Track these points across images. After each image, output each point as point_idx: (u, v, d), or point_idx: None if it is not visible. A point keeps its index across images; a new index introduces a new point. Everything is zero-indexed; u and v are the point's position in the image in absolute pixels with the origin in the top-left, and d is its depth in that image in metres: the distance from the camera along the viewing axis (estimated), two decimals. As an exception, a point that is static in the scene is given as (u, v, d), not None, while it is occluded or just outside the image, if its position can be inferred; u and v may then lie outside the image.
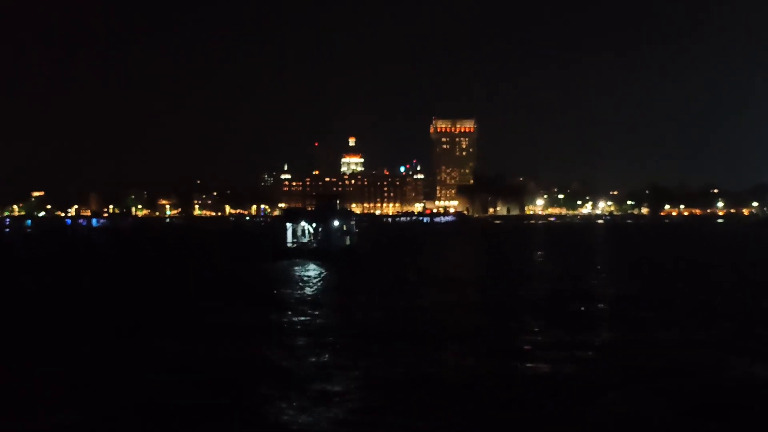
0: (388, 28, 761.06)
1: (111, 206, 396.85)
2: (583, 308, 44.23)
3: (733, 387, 25.50)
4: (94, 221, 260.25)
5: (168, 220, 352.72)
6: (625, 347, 31.62)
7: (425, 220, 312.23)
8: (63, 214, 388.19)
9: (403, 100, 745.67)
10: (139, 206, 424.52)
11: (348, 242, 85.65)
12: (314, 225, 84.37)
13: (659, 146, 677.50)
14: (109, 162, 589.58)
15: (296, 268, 71.65)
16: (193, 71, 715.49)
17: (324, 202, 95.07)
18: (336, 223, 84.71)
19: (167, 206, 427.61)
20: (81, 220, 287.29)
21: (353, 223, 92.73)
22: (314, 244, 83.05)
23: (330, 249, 79.88)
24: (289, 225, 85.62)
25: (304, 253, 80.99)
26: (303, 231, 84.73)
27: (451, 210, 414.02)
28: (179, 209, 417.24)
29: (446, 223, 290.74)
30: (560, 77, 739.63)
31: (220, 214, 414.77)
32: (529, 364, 29.01)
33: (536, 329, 36.95)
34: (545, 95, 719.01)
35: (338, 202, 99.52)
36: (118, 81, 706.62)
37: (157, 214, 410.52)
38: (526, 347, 32.28)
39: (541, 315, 41.58)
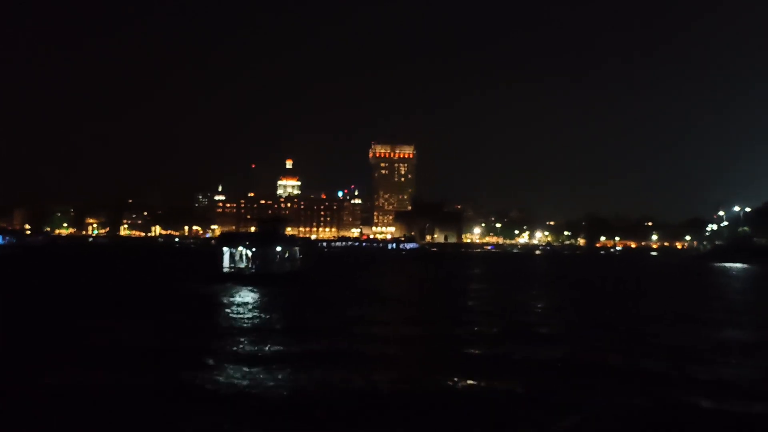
0: (328, 49, 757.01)
1: (32, 224, 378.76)
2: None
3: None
4: (0, 238, 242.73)
5: (91, 239, 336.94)
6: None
7: (391, 246, 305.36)
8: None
9: (342, 123, 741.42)
10: (65, 224, 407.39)
11: (289, 268, 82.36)
12: (254, 249, 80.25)
13: (598, 175, 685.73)
14: (36, 177, 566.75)
15: (232, 292, 67.38)
16: (130, 86, 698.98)
17: (267, 227, 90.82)
18: (278, 248, 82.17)
19: (94, 225, 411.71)
20: None
21: (297, 248, 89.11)
22: (252, 269, 79.22)
23: (269, 274, 77.03)
24: (226, 249, 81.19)
25: (241, 278, 77.30)
26: (241, 255, 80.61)
27: (388, 236, 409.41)
28: (107, 228, 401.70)
29: (412, 249, 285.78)
30: (503, 102, 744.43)
31: (149, 234, 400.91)
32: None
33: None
34: (485, 121, 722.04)
35: (282, 226, 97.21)
36: (47, 89, 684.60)
37: (84, 233, 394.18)
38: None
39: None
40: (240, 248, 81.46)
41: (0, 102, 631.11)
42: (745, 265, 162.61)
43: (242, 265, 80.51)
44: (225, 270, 79.85)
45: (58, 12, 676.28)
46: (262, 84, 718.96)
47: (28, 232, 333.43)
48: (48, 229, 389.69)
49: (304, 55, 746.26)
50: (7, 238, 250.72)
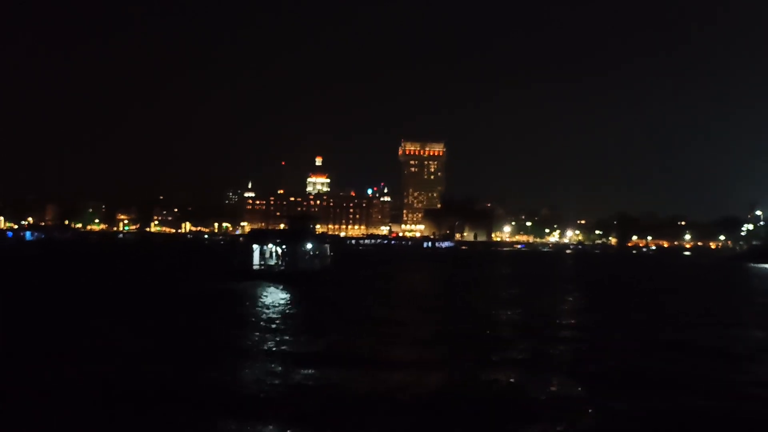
0: (359, 47, 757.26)
1: (63, 220, 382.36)
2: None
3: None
4: (27, 234, 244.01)
5: (120, 235, 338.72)
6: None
7: (427, 244, 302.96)
8: (16, 226, 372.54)
9: (372, 120, 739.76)
10: (96, 220, 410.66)
11: (319, 266, 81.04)
12: (284, 247, 79.44)
13: (629, 173, 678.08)
14: (70, 173, 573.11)
15: (259, 290, 66.48)
16: (163, 83, 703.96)
17: (297, 224, 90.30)
18: (309, 245, 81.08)
19: (125, 221, 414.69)
20: (9, 232, 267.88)
21: (327, 246, 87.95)
22: (282, 267, 78.27)
23: (298, 272, 75.83)
24: (256, 246, 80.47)
25: (270, 275, 76.45)
26: (270, 253, 79.95)
27: (417, 234, 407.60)
28: (137, 225, 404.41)
29: (447, 248, 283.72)
30: (531, 101, 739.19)
31: (179, 231, 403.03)
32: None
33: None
34: (516, 118, 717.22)
35: (312, 224, 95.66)
36: (82, 87, 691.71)
37: (115, 229, 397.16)
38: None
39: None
40: (270, 245, 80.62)
41: (34, 99, 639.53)
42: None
43: (272, 262, 79.66)
44: (255, 267, 78.93)
45: (98, 13, 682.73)
46: (291, 81, 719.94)
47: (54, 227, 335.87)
48: (79, 224, 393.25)
49: (334, 53, 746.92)
50: (36, 233, 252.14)
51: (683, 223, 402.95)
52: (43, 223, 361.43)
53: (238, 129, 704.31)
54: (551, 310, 57.50)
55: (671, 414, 24.60)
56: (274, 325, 44.06)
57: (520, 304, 61.23)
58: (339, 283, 77.24)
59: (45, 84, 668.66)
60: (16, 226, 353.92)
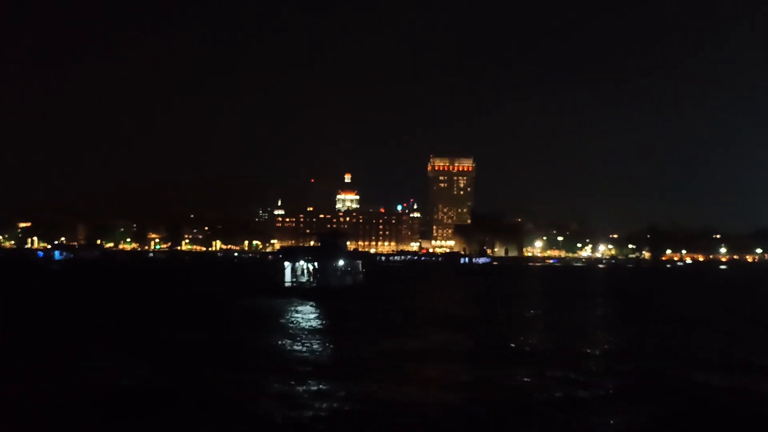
0: (385, 62, 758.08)
1: (94, 239, 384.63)
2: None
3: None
4: (56, 253, 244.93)
5: (151, 254, 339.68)
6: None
7: (463, 260, 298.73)
8: (48, 246, 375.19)
9: (401, 136, 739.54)
10: (128, 239, 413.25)
11: (351, 282, 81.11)
12: (315, 264, 78.96)
13: (657, 184, 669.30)
14: (99, 193, 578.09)
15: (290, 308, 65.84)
16: (188, 97, 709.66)
17: (328, 240, 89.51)
18: (341, 262, 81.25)
19: (156, 240, 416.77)
20: (39, 252, 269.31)
21: (359, 262, 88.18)
22: (314, 283, 77.84)
23: (330, 288, 75.44)
24: (287, 263, 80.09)
25: (302, 292, 75.88)
26: (302, 270, 79.65)
27: (446, 250, 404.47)
28: (168, 243, 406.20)
29: (484, 264, 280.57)
30: (558, 109, 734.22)
31: (210, 249, 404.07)
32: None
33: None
34: (542, 129, 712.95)
35: (344, 240, 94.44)
36: (108, 105, 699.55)
37: (146, 248, 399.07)
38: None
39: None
40: (301, 262, 79.76)
41: (64, 120, 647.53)
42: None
43: (303, 279, 79.11)
44: (287, 284, 77.79)
45: (122, 25, 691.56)
46: (317, 96, 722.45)
47: (75, 245, 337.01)
48: (111, 244, 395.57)
49: (360, 65, 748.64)
50: (64, 253, 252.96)
51: (718, 236, 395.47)
52: (75, 243, 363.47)
53: (266, 145, 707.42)
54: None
55: None
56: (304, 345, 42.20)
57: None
58: (373, 298, 75.73)
59: (75, 105, 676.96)
60: (49, 246, 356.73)
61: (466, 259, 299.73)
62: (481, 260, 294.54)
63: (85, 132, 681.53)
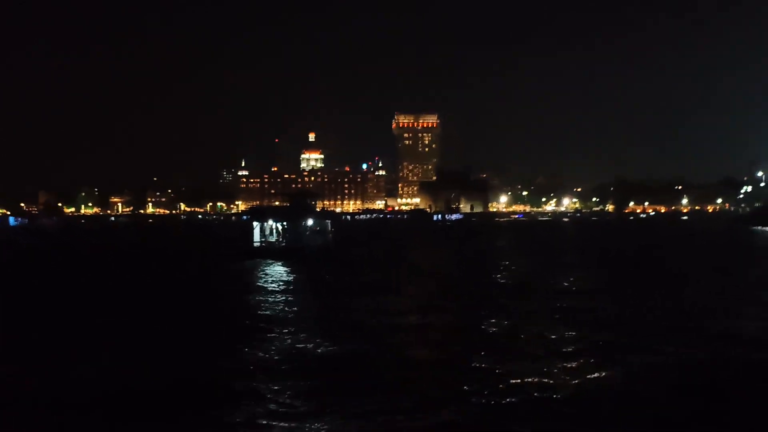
0: (352, 21, 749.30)
1: (56, 205, 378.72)
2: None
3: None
4: (11, 219, 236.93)
5: (113, 218, 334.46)
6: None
7: (436, 217, 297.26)
8: (9, 212, 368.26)
9: (365, 94, 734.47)
10: (90, 204, 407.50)
11: (321, 242, 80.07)
12: (285, 224, 78.29)
13: (627, 139, 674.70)
14: (62, 159, 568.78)
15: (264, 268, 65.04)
16: (151, 67, 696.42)
17: (297, 200, 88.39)
18: (310, 222, 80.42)
19: (119, 205, 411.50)
20: None
21: (328, 222, 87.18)
22: (283, 243, 76.95)
23: (300, 248, 74.27)
24: (256, 223, 79.14)
25: (271, 252, 74.78)
26: (271, 230, 78.77)
27: (412, 207, 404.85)
28: (131, 207, 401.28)
29: (458, 220, 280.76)
30: (525, 71, 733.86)
31: (175, 212, 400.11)
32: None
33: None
34: (509, 89, 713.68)
35: (314, 200, 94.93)
36: (74, 76, 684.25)
37: (109, 212, 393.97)
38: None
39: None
40: (270, 222, 79.23)
41: (27, 89, 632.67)
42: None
43: (272, 239, 78.44)
44: (255, 244, 77.46)
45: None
46: (282, 59, 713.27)
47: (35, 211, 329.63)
48: (72, 209, 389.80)
49: (327, 28, 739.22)
50: (19, 219, 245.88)
51: (680, 187, 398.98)
52: (30, 209, 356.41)
53: (230, 107, 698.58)
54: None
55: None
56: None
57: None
58: (344, 261, 75.21)
59: (42, 76, 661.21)
60: (9, 213, 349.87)
61: (439, 216, 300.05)
62: (454, 217, 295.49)
63: (48, 100, 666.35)
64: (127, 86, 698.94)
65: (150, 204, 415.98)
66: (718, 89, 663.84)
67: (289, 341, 30.98)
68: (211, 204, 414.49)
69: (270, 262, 69.75)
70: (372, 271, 64.19)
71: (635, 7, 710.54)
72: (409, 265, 69.60)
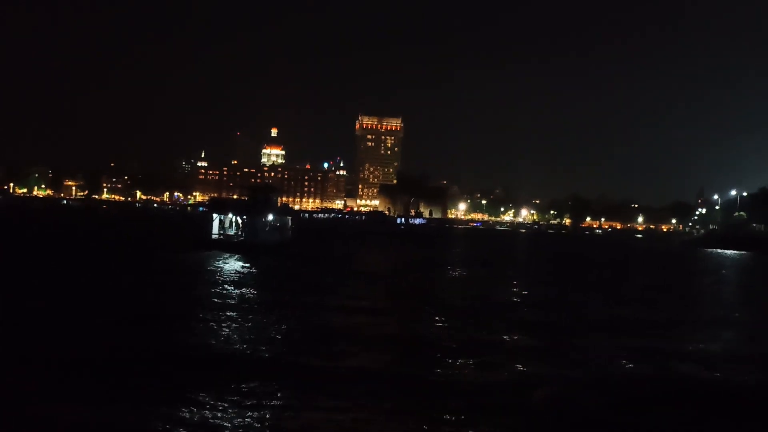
0: (319, 21, 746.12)
1: (6, 185, 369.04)
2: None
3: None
4: None
5: (65, 202, 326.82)
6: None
7: (399, 220, 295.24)
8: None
9: (330, 93, 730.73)
10: (42, 186, 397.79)
11: (279, 238, 79.73)
12: (244, 217, 76.65)
13: (582, 156, 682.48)
14: (14, 138, 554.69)
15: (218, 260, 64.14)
16: (115, 49, 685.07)
17: (258, 194, 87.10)
18: (270, 217, 79.53)
19: (73, 188, 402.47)
20: None
21: (289, 218, 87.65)
22: (241, 237, 75.39)
23: (259, 244, 73.24)
24: (215, 216, 77.66)
25: (229, 245, 73.38)
26: (230, 223, 77.43)
27: (371, 208, 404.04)
28: (86, 192, 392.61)
29: (421, 224, 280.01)
30: (483, 81, 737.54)
31: (129, 199, 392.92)
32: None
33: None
34: (470, 98, 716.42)
35: (275, 195, 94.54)
36: (33, 54, 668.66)
37: (62, 195, 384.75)
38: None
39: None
40: (230, 215, 77.65)
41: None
42: (741, 252, 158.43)
43: (231, 232, 77.11)
44: (213, 236, 75.80)
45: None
46: (250, 54, 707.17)
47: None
48: (24, 190, 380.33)
49: (295, 26, 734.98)
50: None
51: (636, 205, 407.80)
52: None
53: (194, 99, 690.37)
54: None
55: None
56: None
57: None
58: (300, 256, 74.09)
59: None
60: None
61: (402, 220, 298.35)
62: (417, 221, 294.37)
63: (6, 76, 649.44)
64: (86, 64, 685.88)
65: (105, 189, 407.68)
66: (670, 111, 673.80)
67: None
68: (168, 193, 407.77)
69: (227, 255, 68.46)
70: (325, 270, 63.36)
71: (597, 28, 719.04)
72: (361, 268, 68.83)
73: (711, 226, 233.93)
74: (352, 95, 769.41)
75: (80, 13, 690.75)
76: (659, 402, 23.29)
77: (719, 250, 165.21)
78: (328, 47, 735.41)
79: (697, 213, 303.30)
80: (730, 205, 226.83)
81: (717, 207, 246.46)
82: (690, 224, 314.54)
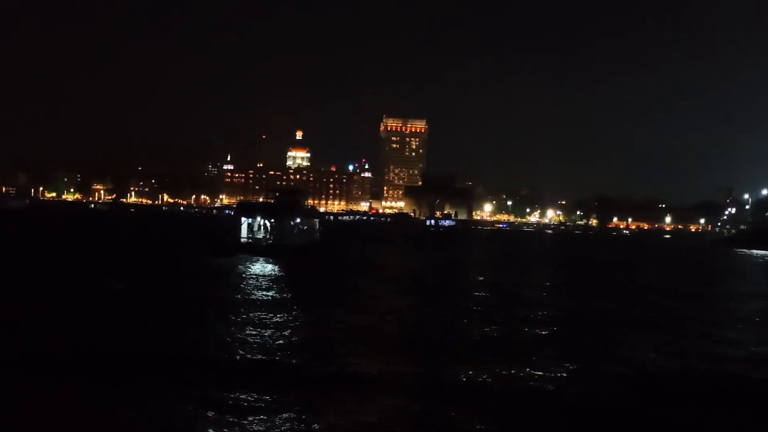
0: (345, 23, 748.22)
1: (37, 188, 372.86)
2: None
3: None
4: None
5: (92, 206, 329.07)
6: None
7: (429, 222, 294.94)
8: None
9: (355, 95, 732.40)
10: (71, 189, 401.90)
11: (308, 241, 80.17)
12: (272, 220, 77.09)
13: (608, 152, 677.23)
14: (44, 142, 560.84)
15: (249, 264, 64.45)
16: (145, 56, 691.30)
17: (286, 197, 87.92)
18: (298, 220, 79.84)
19: (101, 191, 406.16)
20: None
21: (316, 221, 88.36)
22: (270, 240, 75.97)
23: (288, 247, 73.76)
24: (244, 219, 78.17)
25: (258, 249, 74.11)
26: (259, 226, 77.77)
27: (396, 210, 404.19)
28: (113, 195, 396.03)
29: (450, 226, 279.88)
30: (513, 77, 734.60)
31: (157, 202, 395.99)
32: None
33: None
34: (498, 95, 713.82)
35: (303, 198, 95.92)
36: (63, 57, 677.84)
37: (90, 199, 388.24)
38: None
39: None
40: (258, 218, 77.97)
41: (12, 65, 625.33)
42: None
43: (260, 236, 77.40)
44: (242, 240, 76.29)
45: None
46: (274, 53, 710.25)
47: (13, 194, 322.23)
48: (54, 194, 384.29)
49: (320, 24, 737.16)
50: None
51: (663, 205, 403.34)
52: (5, 190, 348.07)
53: (219, 100, 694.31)
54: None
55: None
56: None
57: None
58: (328, 258, 74.48)
59: (22, 47, 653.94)
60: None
61: (432, 222, 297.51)
62: (447, 222, 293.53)
63: (33, 83, 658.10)
64: (111, 67, 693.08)
65: (132, 193, 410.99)
66: (693, 110, 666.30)
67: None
68: (194, 196, 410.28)
69: (256, 258, 68.80)
70: (354, 273, 63.45)
71: (626, 14, 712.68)
72: (387, 270, 69.07)
73: (741, 226, 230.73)
74: (377, 94, 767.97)
75: (108, 17, 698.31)
76: (691, 397, 23.54)
77: (750, 251, 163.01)
78: (354, 48, 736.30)
79: (726, 213, 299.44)
80: (761, 204, 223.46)
81: (747, 207, 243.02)
82: (719, 224, 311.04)
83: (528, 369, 26.08)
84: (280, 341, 29.86)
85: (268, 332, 31.63)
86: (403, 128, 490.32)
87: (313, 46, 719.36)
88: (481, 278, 66.41)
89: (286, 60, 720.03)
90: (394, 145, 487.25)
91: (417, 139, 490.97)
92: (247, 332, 31.43)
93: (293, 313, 37.88)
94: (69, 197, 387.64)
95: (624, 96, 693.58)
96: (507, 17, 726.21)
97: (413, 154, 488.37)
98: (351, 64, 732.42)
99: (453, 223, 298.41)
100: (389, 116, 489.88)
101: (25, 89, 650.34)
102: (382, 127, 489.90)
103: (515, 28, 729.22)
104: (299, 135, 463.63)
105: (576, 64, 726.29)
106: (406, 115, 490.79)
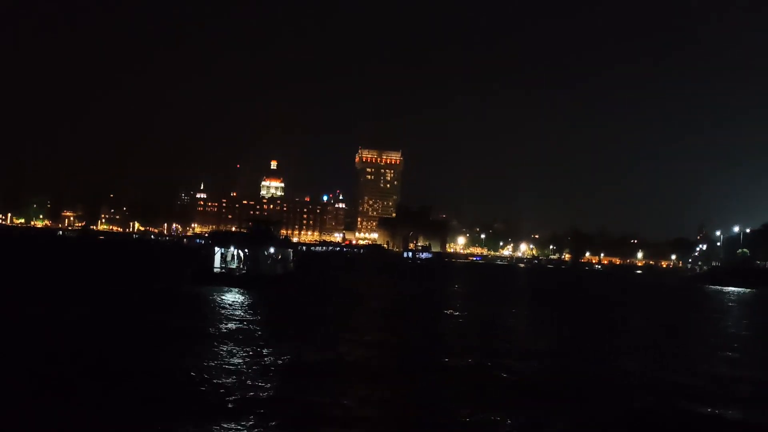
0: (318, 50, 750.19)
1: (5, 214, 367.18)
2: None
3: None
4: None
5: (60, 232, 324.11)
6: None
7: (406, 254, 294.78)
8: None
9: (329, 126, 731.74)
10: (40, 216, 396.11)
11: (281, 271, 78.89)
12: (245, 250, 75.60)
13: (581, 188, 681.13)
14: (14, 167, 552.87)
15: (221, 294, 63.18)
16: (114, 76, 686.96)
17: (259, 227, 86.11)
18: (271, 250, 78.34)
19: (71, 218, 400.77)
20: None
21: (290, 251, 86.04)
22: (243, 270, 74.54)
23: (261, 277, 72.72)
24: (217, 249, 76.24)
25: (231, 279, 72.54)
26: (232, 256, 76.15)
27: (369, 242, 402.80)
28: (83, 222, 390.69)
29: (427, 258, 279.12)
30: (481, 109, 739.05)
31: (128, 230, 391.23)
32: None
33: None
34: (472, 129, 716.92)
35: (277, 227, 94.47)
36: (32, 78, 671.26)
37: (60, 225, 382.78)
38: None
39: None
40: (231, 248, 76.37)
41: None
42: (745, 290, 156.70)
43: (233, 265, 75.71)
44: (215, 270, 74.56)
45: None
46: (247, 84, 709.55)
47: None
48: (22, 220, 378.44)
49: (289, 55, 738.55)
50: None
51: (635, 241, 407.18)
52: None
53: (192, 130, 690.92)
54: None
55: None
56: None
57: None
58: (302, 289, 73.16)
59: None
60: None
61: (409, 254, 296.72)
62: (424, 255, 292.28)
63: (7, 105, 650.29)
64: (86, 94, 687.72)
65: (103, 220, 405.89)
66: (670, 146, 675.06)
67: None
68: (166, 224, 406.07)
69: (227, 289, 67.24)
70: (327, 303, 62.25)
71: (600, 55, 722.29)
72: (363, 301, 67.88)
73: (714, 263, 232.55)
74: (351, 125, 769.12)
75: (74, 45, 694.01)
76: None
77: (722, 287, 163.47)
78: (322, 74, 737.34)
79: (698, 249, 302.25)
80: (732, 241, 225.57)
81: (719, 243, 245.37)
82: (690, 260, 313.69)
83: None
84: (244, 376, 28.50)
85: (231, 364, 30.21)
86: (378, 159, 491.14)
87: (291, 77, 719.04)
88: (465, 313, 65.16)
89: (263, 92, 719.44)
90: (369, 177, 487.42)
91: (392, 171, 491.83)
92: (212, 364, 29.88)
93: (259, 345, 36.37)
94: (38, 224, 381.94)
95: (603, 131, 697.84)
96: (489, 53, 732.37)
97: (388, 185, 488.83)
98: (329, 95, 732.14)
99: (430, 255, 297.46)
100: (364, 147, 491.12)
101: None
102: (357, 158, 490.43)
103: (496, 64, 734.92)
104: (274, 165, 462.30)
105: (558, 102, 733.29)
106: (381, 147, 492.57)
